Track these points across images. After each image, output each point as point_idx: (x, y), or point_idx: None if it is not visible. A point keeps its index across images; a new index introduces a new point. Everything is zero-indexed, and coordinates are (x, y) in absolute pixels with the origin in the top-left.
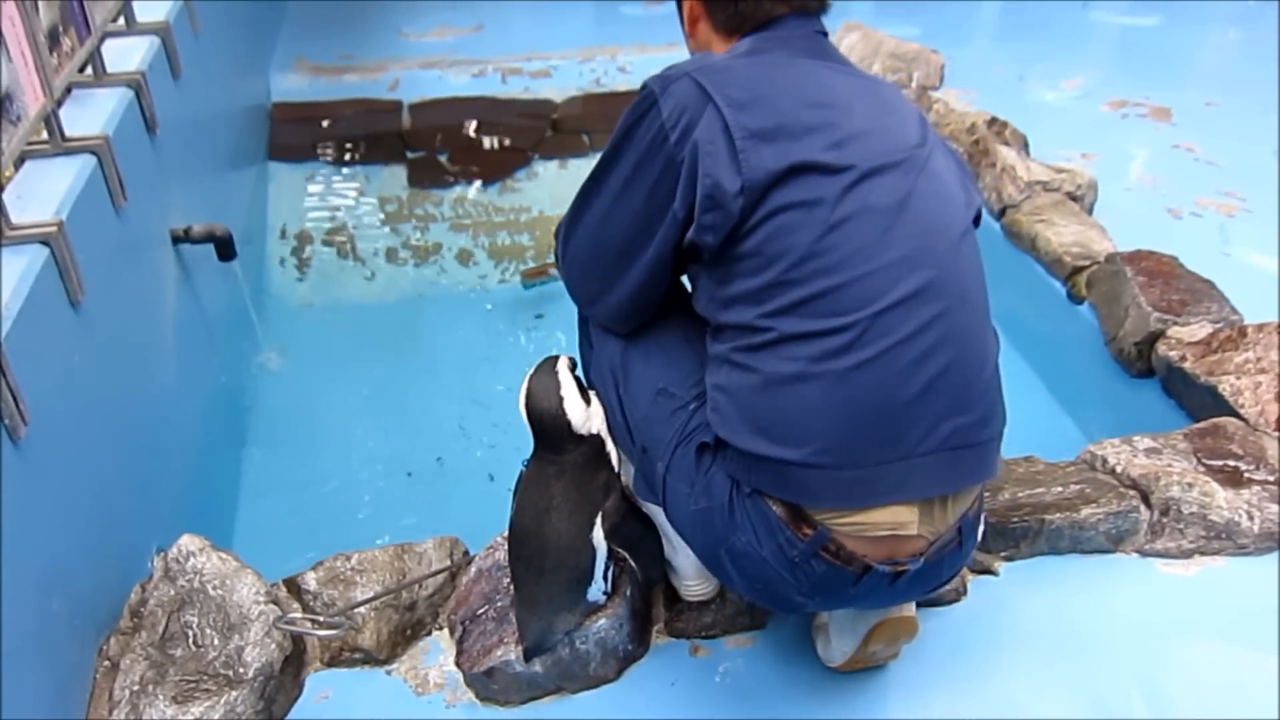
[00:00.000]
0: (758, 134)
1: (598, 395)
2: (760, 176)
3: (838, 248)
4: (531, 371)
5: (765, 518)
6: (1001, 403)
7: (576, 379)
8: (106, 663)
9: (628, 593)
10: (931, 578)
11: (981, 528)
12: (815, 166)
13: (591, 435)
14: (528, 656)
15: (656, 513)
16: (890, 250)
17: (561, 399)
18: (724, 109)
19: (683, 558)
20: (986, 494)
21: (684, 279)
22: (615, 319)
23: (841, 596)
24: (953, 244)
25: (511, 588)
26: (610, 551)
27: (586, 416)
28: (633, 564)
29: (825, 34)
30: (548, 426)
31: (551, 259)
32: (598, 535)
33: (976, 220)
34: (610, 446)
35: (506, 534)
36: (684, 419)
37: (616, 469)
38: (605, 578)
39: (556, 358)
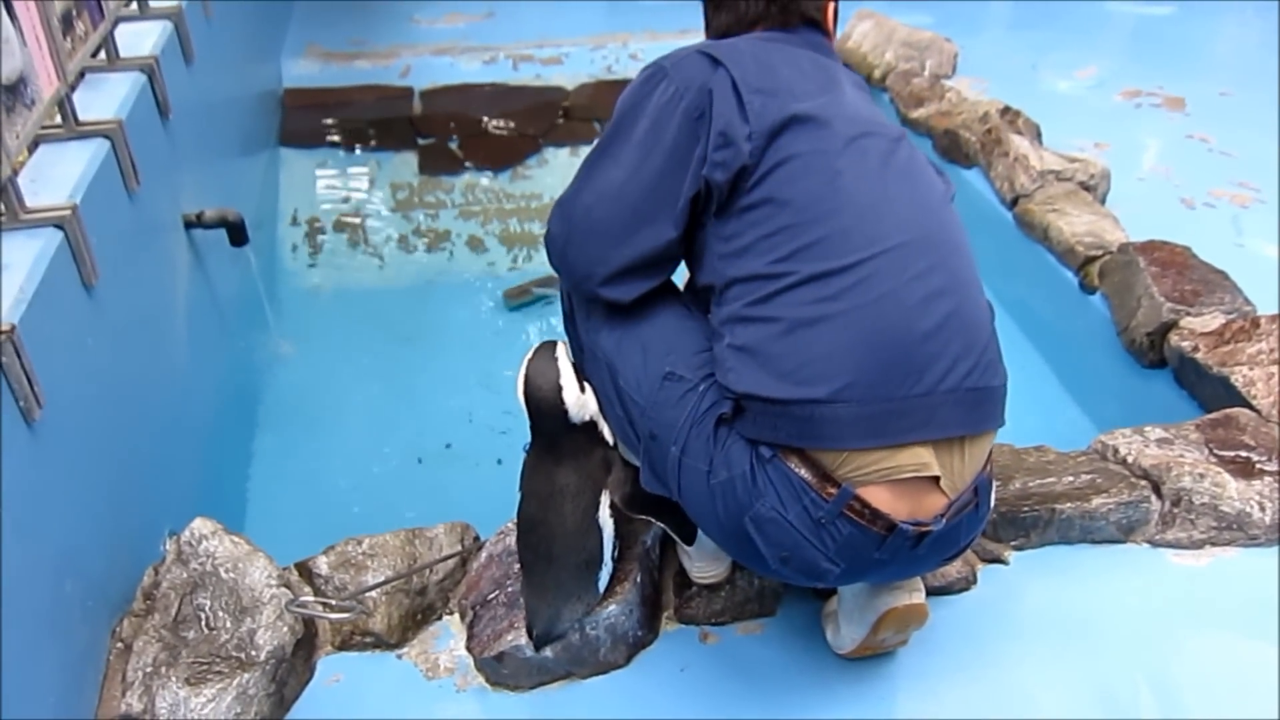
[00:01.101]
0: (762, 89)
1: (594, 390)
2: (765, 124)
3: (843, 192)
4: (529, 356)
5: (788, 480)
6: (1002, 359)
7: (574, 365)
8: (119, 644)
9: (637, 579)
10: (951, 542)
11: (993, 495)
12: (815, 119)
13: (584, 422)
14: (537, 645)
15: None
16: (888, 201)
17: (560, 388)
18: (732, 70)
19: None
20: (997, 483)
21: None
22: (619, 283)
23: (867, 561)
24: (939, 206)
25: (521, 575)
26: (617, 530)
27: (582, 404)
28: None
29: (823, 44)
30: (545, 414)
31: (533, 278)
32: (604, 514)
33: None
34: (603, 425)
35: (515, 522)
36: (695, 400)
37: (612, 443)
38: (612, 559)
39: (555, 343)
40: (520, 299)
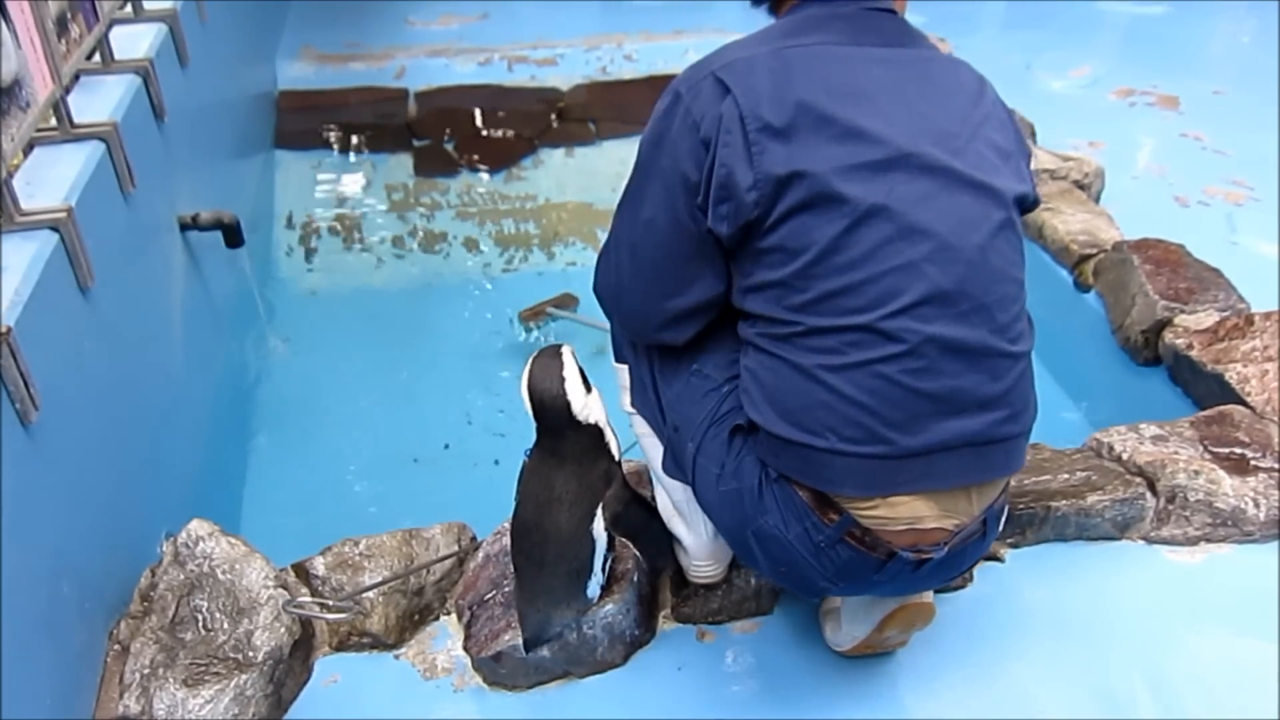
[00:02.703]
0: (770, 129)
1: (630, 371)
2: (771, 173)
3: (859, 243)
4: (535, 355)
5: (792, 502)
6: (1032, 396)
7: (579, 367)
8: (117, 646)
9: (635, 578)
10: (954, 566)
11: (1004, 517)
12: (826, 166)
13: (590, 424)
14: (527, 648)
15: (674, 488)
16: (912, 247)
17: (563, 380)
18: (741, 101)
19: (693, 537)
20: None
21: None
22: (673, 328)
23: (865, 582)
24: (982, 238)
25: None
26: (610, 543)
27: (585, 404)
28: (637, 553)
29: (885, 8)
30: (548, 408)
31: (547, 298)
32: (598, 527)
33: (1025, 203)
34: (610, 436)
35: (509, 525)
36: (716, 400)
37: (617, 458)
38: (603, 570)
39: (560, 346)
40: (535, 320)
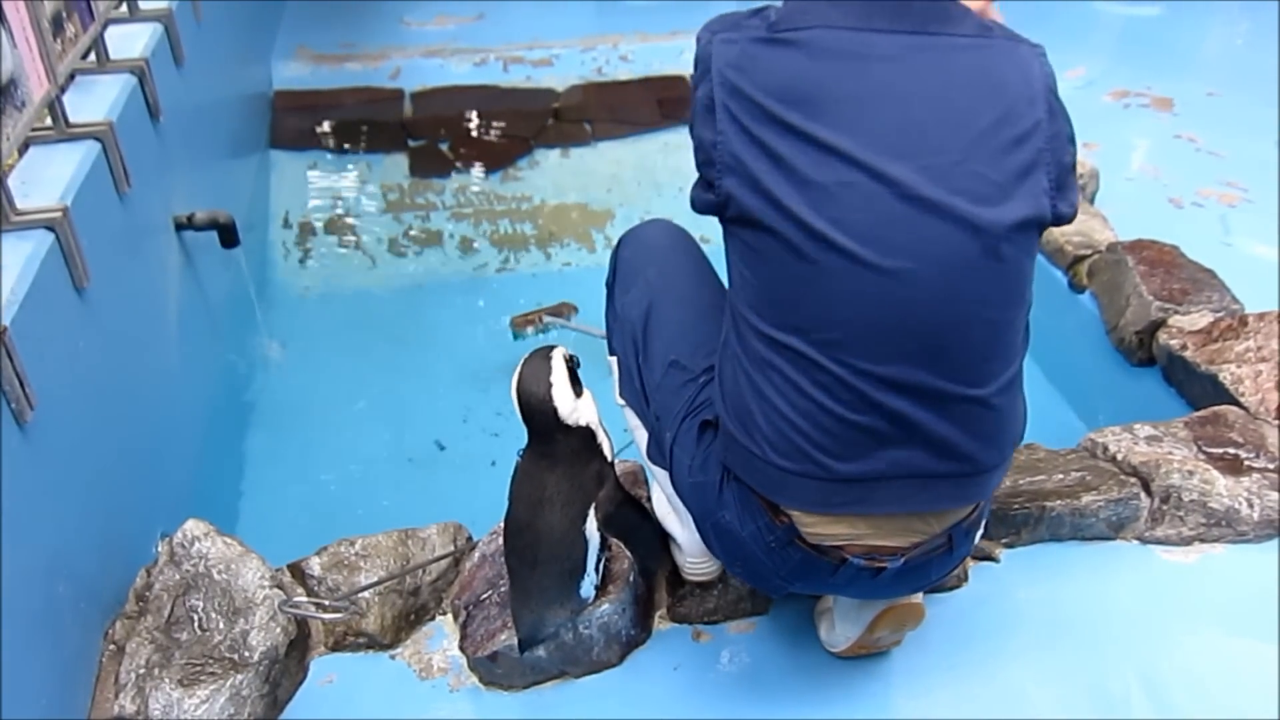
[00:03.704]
0: (737, 123)
1: (619, 363)
2: (728, 166)
3: (805, 268)
4: (525, 358)
5: (747, 500)
6: (1006, 426)
7: (571, 370)
8: (112, 646)
9: (630, 578)
10: (919, 576)
11: (980, 533)
12: (801, 168)
13: (580, 427)
14: (521, 648)
15: (666, 481)
16: (859, 280)
17: (550, 385)
18: (716, 88)
19: (687, 534)
20: None
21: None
22: None
23: (822, 584)
24: (946, 276)
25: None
26: (604, 543)
27: (574, 407)
28: (629, 554)
29: None
30: (535, 412)
31: (542, 306)
32: (590, 527)
33: (1043, 224)
34: (602, 438)
35: (502, 526)
36: (692, 392)
37: (609, 459)
38: (597, 570)
39: (551, 348)
40: (526, 328)
